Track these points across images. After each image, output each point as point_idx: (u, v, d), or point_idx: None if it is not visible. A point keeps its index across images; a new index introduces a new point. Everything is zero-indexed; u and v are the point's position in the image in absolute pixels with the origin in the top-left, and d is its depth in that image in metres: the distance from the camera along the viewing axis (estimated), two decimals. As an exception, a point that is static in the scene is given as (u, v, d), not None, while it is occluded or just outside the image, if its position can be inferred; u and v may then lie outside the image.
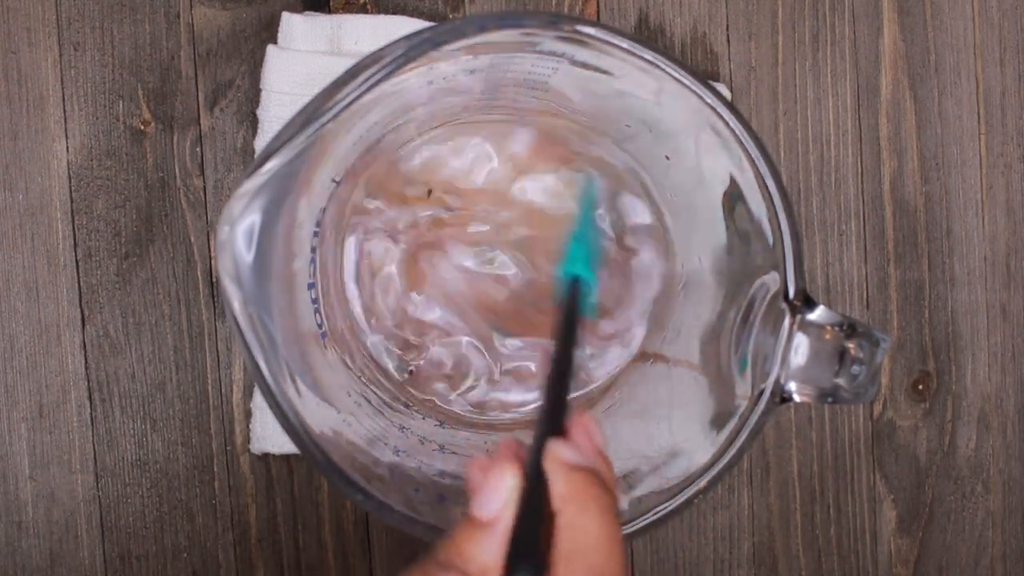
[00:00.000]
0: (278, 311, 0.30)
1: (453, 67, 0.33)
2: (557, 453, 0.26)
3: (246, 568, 0.46)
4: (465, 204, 0.43)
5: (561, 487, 0.25)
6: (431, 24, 0.45)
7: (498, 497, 0.25)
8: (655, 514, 0.32)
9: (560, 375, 0.29)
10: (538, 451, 0.26)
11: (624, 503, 0.34)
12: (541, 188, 0.43)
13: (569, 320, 0.32)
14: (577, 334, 0.31)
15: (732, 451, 0.32)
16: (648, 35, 0.49)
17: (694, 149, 0.35)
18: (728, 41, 0.49)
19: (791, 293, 0.31)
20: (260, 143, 0.45)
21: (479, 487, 0.26)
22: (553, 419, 0.27)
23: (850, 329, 0.30)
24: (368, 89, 0.28)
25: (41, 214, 0.45)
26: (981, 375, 0.52)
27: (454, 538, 0.26)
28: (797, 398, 0.31)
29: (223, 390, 0.46)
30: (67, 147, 0.45)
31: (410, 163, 0.43)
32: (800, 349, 0.31)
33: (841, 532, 0.51)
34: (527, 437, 0.28)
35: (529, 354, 0.44)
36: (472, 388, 0.44)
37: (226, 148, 0.46)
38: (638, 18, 0.48)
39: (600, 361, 0.45)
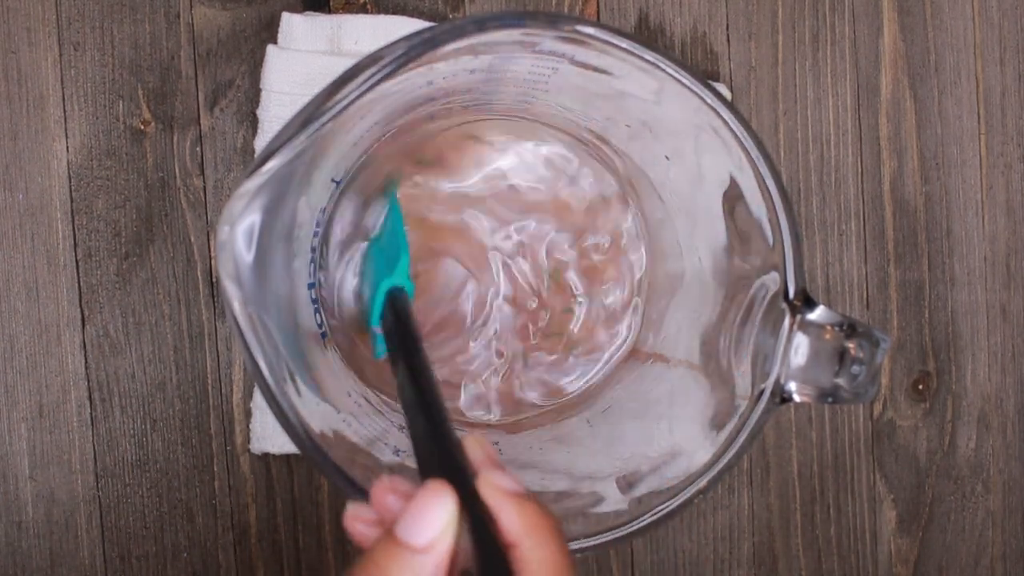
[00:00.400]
0: (278, 311, 0.30)
1: (453, 67, 0.33)
2: (494, 481, 0.25)
3: (246, 568, 0.46)
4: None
5: (514, 518, 0.24)
6: (431, 24, 0.45)
7: (433, 523, 0.24)
8: (655, 514, 0.32)
9: (429, 388, 0.27)
10: (454, 476, 0.24)
11: (624, 503, 0.34)
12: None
13: (408, 330, 0.30)
14: (419, 340, 0.30)
15: (732, 451, 0.32)
16: (648, 35, 0.49)
17: (694, 149, 0.35)
18: (728, 41, 0.49)
19: (791, 293, 0.31)
20: (260, 143, 0.45)
21: (408, 511, 0.24)
22: (442, 436, 0.26)
23: (850, 329, 0.30)
24: (368, 89, 0.28)
25: (41, 214, 0.45)
26: (981, 375, 0.52)
27: (376, 561, 0.24)
28: (797, 398, 0.31)
29: (223, 390, 0.46)
30: (67, 147, 0.45)
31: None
32: (800, 349, 0.31)
33: (841, 532, 0.51)
34: (409, 464, 0.27)
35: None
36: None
37: (226, 148, 0.46)
38: (638, 18, 0.48)
39: (593, 360, 0.45)
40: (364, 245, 0.41)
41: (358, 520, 0.26)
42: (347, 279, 0.42)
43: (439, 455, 0.25)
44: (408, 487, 0.26)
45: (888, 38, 0.50)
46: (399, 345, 0.30)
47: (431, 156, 0.43)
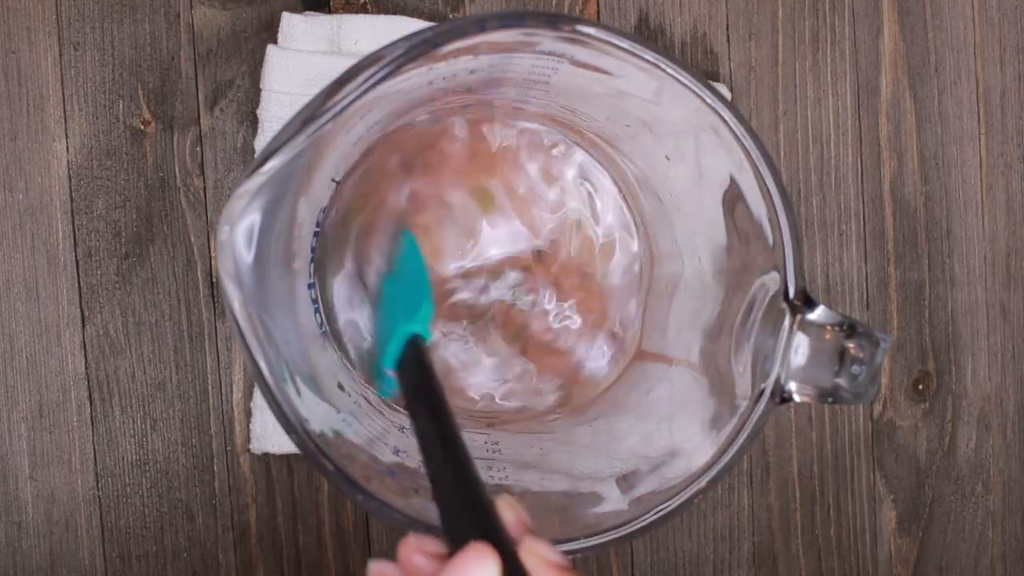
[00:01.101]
0: (278, 311, 0.30)
1: (453, 67, 0.33)
2: (538, 550, 0.25)
3: (246, 568, 0.46)
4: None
5: None
6: (431, 24, 0.45)
7: None
8: (655, 514, 0.32)
9: (457, 444, 0.27)
10: (493, 539, 0.24)
11: (624, 503, 0.34)
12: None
13: (430, 382, 0.30)
14: (441, 390, 0.29)
15: (732, 451, 0.32)
16: (648, 35, 0.49)
17: (694, 149, 0.35)
18: (728, 41, 0.49)
19: (791, 293, 0.31)
20: (260, 143, 0.45)
21: (449, 570, 0.24)
22: (476, 497, 0.25)
23: (850, 329, 0.30)
24: (368, 89, 0.28)
25: (41, 214, 0.45)
26: (981, 375, 0.52)
27: None
28: (797, 398, 0.31)
29: (223, 390, 0.46)
30: (67, 147, 0.45)
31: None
32: (800, 349, 0.31)
33: (841, 532, 0.51)
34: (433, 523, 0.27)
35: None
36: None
37: (226, 148, 0.46)
38: (638, 18, 0.48)
39: (599, 364, 0.45)
40: (377, 282, 0.41)
41: (410, 547, 0.26)
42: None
43: (475, 516, 0.25)
44: (435, 547, 0.26)
45: (888, 38, 0.50)
46: (420, 397, 0.29)
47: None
